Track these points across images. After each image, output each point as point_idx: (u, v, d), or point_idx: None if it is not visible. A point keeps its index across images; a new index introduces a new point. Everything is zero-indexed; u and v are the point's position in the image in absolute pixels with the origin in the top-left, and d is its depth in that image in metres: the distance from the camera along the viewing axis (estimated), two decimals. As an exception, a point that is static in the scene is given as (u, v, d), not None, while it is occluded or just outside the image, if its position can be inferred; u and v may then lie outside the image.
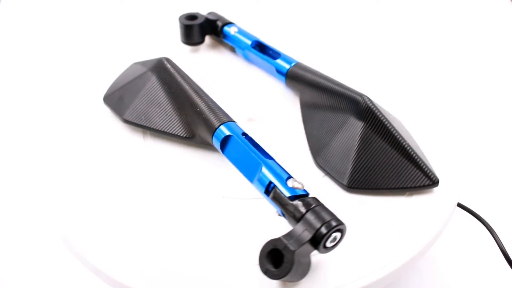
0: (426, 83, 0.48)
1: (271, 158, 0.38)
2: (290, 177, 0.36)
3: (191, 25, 0.54)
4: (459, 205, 0.43)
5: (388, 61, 0.51)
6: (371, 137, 0.40)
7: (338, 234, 0.33)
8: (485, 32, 0.78)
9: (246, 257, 0.36)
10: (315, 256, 0.35)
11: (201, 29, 0.54)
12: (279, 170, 0.37)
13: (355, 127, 0.41)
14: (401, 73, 0.49)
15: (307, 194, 0.35)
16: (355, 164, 0.39)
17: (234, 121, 0.41)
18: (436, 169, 0.40)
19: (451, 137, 0.44)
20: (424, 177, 0.38)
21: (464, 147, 0.42)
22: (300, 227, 0.32)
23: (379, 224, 0.38)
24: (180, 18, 0.54)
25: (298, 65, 0.48)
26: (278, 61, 0.49)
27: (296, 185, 0.36)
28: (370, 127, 0.40)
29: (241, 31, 0.53)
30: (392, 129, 0.39)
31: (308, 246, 0.32)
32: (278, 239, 0.31)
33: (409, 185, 0.38)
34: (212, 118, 0.41)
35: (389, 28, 0.55)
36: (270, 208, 0.39)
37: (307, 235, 0.31)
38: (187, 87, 0.44)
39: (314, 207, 0.33)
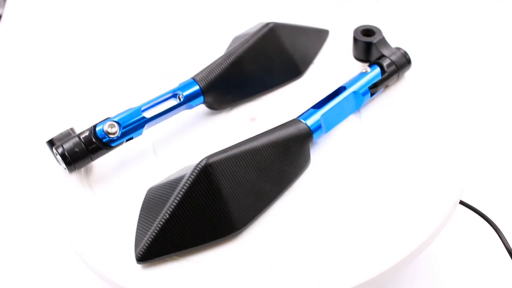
0: (426, 82, 0.47)
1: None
2: (116, 123, 0.41)
3: (356, 39, 0.48)
4: (462, 203, 0.44)
5: None
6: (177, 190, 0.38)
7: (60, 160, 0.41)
8: (486, 32, 0.76)
9: (249, 257, 0.37)
10: (312, 253, 0.37)
11: (366, 48, 0.48)
12: (124, 116, 0.42)
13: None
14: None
15: (107, 145, 0.41)
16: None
17: (198, 83, 0.45)
18: (438, 167, 0.41)
19: (455, 134, 0.43)
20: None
21: (468, 145, 0.42)
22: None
23: (375, 220, 0.38)
24: (356, 29, 0.48)
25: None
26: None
27: (109, 130, 0.42)
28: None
29: (359, 76, 0.46)
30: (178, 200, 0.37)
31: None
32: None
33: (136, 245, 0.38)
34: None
35: (389, 28, 0.52)
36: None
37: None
38: (231, 47, 0.48)
39: (77, 137, 0.40)
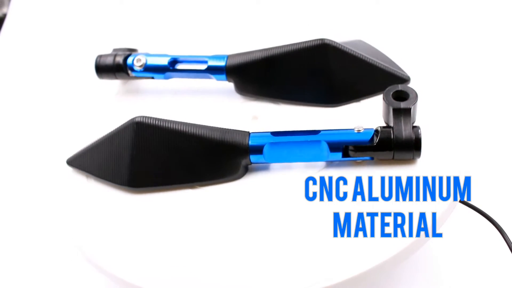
0: (427, 82, 0.47)
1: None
2: (144, 59, 0.47)
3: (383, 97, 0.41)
4: (463, 202, 0.42)
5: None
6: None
7: None
8: (487, 32, 0.73)
9: (254, 255, 0.37)
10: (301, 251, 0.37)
11: (386, 110, 0.41)
12: (154, 57, 0.48)
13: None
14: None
15: (130, 73, 0.47)
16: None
17: (226, 61, 0.47)
18: (436, 164, 0.40)
19: (456, 131, 0.43)
20: None
21: (469, 144, 0.42)
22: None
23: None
24: (390, 88, 0.41)
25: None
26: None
27: (136, 63, 0.48)
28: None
29: (345, 131, 0.41)
30: None
31: None
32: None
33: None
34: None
35: (389, 28, 0.56)
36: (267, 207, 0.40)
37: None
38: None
39: (114, 56, 0.47)
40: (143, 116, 0.42)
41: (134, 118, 0.42)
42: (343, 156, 0.40)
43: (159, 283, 0.37)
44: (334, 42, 0.46)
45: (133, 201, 0.42)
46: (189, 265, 0.37)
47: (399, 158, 0.40)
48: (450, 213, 0.39)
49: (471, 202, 0.43)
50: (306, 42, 0.46)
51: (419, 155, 0.40)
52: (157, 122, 0.42)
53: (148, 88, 0.52)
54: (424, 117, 0.42)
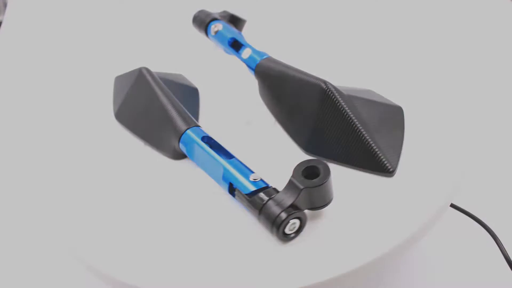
0: (426, 83, 0.47)
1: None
2: (252, 172, 0.39)
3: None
4: (453, 206, 0.42)
5: (388, 60, 0.50)
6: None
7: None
8: (486, 32, 0.76)
9: (250, 253, 0.37)
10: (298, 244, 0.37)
11: None
12: (226, 28, 0.51)
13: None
14: (401, 73, 0.48)
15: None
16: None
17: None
18: (430, 167, 0.40)
19: (449, 132, 0.43)
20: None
21: (460, 145, 0.42)
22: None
23: (351, 218, 0.38)
24: (302, 163, 0.37)
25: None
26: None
27: (213, 28, 0.52)
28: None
29: (247, 170, 0.39)
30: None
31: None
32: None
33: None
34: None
35: (389, 28, 0.55)
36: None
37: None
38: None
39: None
40: (147, 69, 0.48)
41: (142, 67, 0.48)
42: (229, 191, 0.39)
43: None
44: (337, 90, 0.41)
45: (112, 133, 0.49)
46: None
47: (263, 226, 0.37)
48: (439, 217, 0.37)
49: (465, 208, 0.43)
50: (311, 76, 0.43)
51: (279, 236, 0.36)
52: (150, 78, 0.47)
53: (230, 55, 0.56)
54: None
